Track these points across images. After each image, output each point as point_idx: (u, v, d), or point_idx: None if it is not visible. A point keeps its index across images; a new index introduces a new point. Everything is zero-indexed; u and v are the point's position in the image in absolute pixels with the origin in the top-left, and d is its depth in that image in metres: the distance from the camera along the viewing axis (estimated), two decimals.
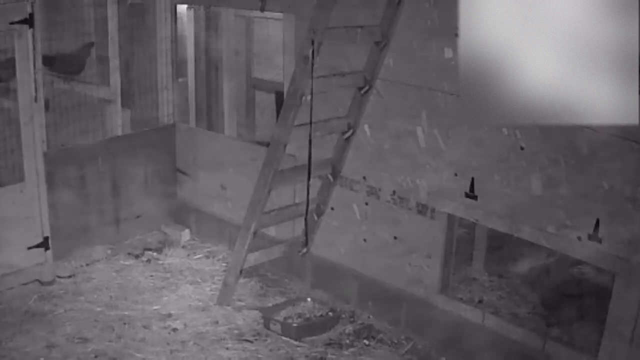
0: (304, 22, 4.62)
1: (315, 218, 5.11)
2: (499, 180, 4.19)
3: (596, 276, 4.97)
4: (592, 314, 4.41)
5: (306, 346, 4.66)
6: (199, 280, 5.52)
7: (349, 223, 5.06)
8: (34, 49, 4.95)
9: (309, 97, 4.43)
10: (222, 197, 6.02)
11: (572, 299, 4.71)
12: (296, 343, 4.68)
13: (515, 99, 1.40)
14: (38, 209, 5.21)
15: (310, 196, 4.83)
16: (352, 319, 4.98)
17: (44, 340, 4.58)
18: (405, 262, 4.77)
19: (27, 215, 5.18)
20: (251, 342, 4.70)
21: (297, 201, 5.23)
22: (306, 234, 5.03)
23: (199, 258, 5.93)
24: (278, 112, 5.26)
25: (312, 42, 4.29)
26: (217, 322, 4.91)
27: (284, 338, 4.72)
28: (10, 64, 5.08)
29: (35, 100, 5.03)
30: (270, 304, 5.15)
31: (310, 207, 4.90)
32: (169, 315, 4.98)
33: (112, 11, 5.78)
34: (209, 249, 6.05)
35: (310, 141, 4.54)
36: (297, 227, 5.21)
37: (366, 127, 4.84)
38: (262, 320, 4.91)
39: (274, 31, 6.73)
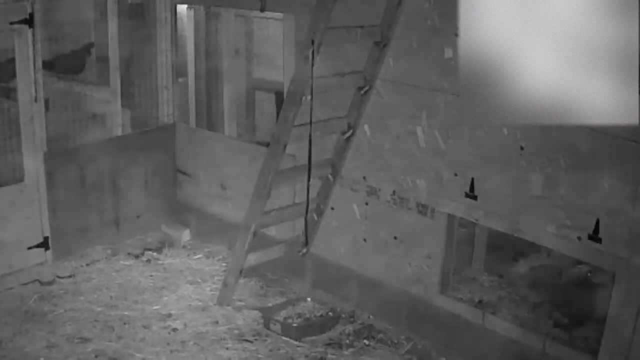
0: (304, 22, 4.62)
1: (315, 218, 5.11)
2: (499, 180, 4.19)
3: (596, 276, 4.97)
4: (592, 314, 4.41)
5: (306, 346, 4.66)
6: (199, 280, 5.52)
7: (349, 223, 5.06)
8: (34, 49, 4.95)
9: (309, 97, 4.43)
10: (222, 197, 6.01)
11: (578, 300, 4.71)
12: (296, 343, 4.68)
13: (515, 99, 1.40)
14: (38, 209, 5.21)
15: (310, 196, 4.83)
16: (352, 319, 4.98)
17: (44, 340, 4.58)
18: (405, 262, 4.77)
19: (27, 215, 5.18)
20: (251, 342, 4.70)
21: (297, 201, 5.23)
22: (306, 234, 5.03)
23: (199, 258, 5.93)
24: (278, 112, 5.26)
25: (312, 42, 4.29)
26: (217, 322, 4.91)
27: (284, 338, 4.72)
28: (10, 64, 5.08)
29: (35, 100, 5.03)
30: (270, 304, 5.15)
31: (310, 207, 4.90)
32: (169, 315, 4.98)
33: (112, 11, 5.78)
34: (209, 249, 6.05)
35: (310, 141, 4.54)
36: (297, 227, 5.21)
37: (366, 127, 4.84)
38: (262, 320, 4.91)
39: (274, 31, 6.73)
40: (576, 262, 4.74)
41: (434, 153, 4.48)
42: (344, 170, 4.99)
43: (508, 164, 4.13)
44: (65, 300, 5.12)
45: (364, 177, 4.92)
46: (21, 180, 5.16)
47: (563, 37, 1.36)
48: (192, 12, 6.88)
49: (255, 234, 4.83)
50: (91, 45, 6.10)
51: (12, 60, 5.01)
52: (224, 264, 5.71)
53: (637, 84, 1.36)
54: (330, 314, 4.96)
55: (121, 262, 5.76)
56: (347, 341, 4.73)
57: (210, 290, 5.34)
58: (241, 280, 5.17)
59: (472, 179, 4.31)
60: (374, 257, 4.95)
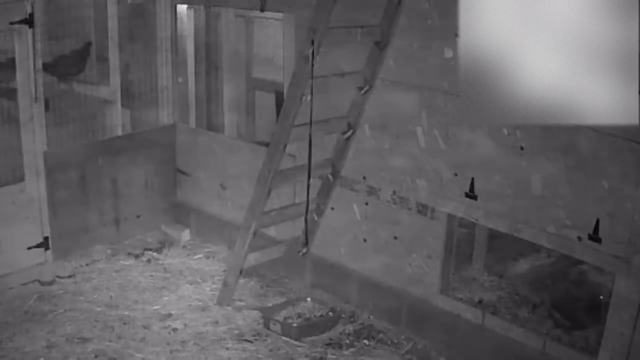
0: (304, 22, 4.62)
1: (315, 218, 5.11)
2: (499, 180, 4.19)
3: (596, 276, 4.97)
4: (592, 314, 4.41)
5: (306, 346, 4.66)
6: (199, 280, 5.52)
7: (349, 223, 5.06)
8: (34, 49, 4.95)
9: (309, 97, 4.43)
10: (222, 197, 6.02)
11: (578, 300, 4.71)
12: (296, 343, 4.68)
13: (515, 99, 1.40)
14: (38, 209, 5.21)
15: (310, 196, 4.83)
16: (352, 319, 4.98)
17: (44, 340, 4.58)
18: (405, 262, 4.77)
19: (27, 215, 5.18)
20: (251, 342, 4.70)
21: (297, 201, 5.23)
22: (306, 234, 5.03)
23: (199, 258, 5.93)
24: (278, 112, 5.26)
25: (312, 42, 4.29)
26: (217, 322, 4.91)
27: (284, 338, 4.72)
28: (10, 64, 5.08)
29: (35, 100, 5.03)
30: (270, 304, 5.15)
31: (310, 207, 4.90)
32: (169, 315, 4.98)
33: (112, 11, 5.78)
34: (209, 249, 6.05)
35: (310, 141, 4.55)
36: (297, 227, 5.21)
37: (366, 127, 4.84)
38: (262, 320, 4.91)
39: (274, 31, 6.73)
40: (576, 262, 4.74)
41: (434, 153, 4.48)
42: (344, 170, 5.00)
43: (508, 163, 4.13)
44: (65, 300, 5.12)
45: (364, 177, 4.92)
46: (21, 180, 5.16)
47: (563, 37, 1.36)
48: (192, 12, 6.87)
49: (255, 234, 4.83)
50: (89, 44, 6.09)
51: (12, 60, 5.00)
52: (224, 264, 5.71)
53: (637, 84, 1.36)
54: (330, 314, 4.96)
55: (121, 262, 5.76)
56: (347, 341, 4.73)
57: (210, 290, 5.34)
58: (241, 280, 5.17)
59: (472, 179, 4.31)
60: (374, 257, 4.95)
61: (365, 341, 4.74)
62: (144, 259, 5.85)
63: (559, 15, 1.35)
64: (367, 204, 4.94)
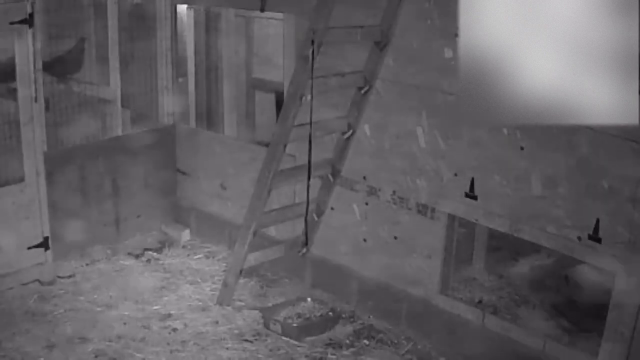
0: (304, 22, 4.62)
1: (315, 218, 5.11)
2: (499, 180, 4.19)
3: (596, 276, 4.97)
4: (592, 314, 4.40)
5: (306, 346, 4.66)
6: (199, 280, 5.52)
7: (349, 223, 5.06)
8: (34, 49, 4.95)
9: (309, 97, 4.43)
10: (222, 197, 6.02)
11: (578, 300, 4.71)
12: (296, 343, 4.68)
13: (515, 99, 1.40)
14: (38, 209, 5.21)
15: (310, 196, 4.83)
16: (352, 319, 4.98)
17: (44, 340, 4.58)
18: (405, 262, 4.77)
19: (27, 215, 5.18)
20: (251, 342, 4.70)
21: (297, 201, 5.23)
22: (306, 234, 5.04)
23: (199, 258, 5.93)
24: (278, 112, 5.26)
25: (312, 42, 4.29)
26: (217, 322, 4.91)
27: (284, 338, 4.72)
28: (10, 64, 5.08)
29: (35, 100, 5.03)
30: (270, 304, 5.15)
31: (310, 207, 4.91)
32: (169, 315, 4.98)
33: (112, 11, 5.78)
34: (209, 249, 6.05)
35: (310, 141, 4.55)
36: (297, 227, 5.21)
37: (366, 127, 4.84)
38: (262, 320, 4.91)
39: (274, 31, 6.73)
40: (576, 262, 4.74)
41: (434, 153, 4.48)
42: (344, 170, 5.00)
43: (508, 164, 4.13)
44: (65, 300, 5.12)
45: (364, 177, 4.92)
46: (21, 180, 5.15)
47: (563, 37, 1.36)
48: (192, 12, 6.87)
49: (255, 234, 4.83)
50: (83, 40, 6.07)
51: (12, 60, 5.00)
52: (224, 264, 5.71)
53: (637, 84, 1.36)
54: (330, 314, 4.96)
55: (121, 262, 5.76)
56: (347, 341, 4.73)
57: (210, 290, 5.34)
58: (241, 280, 5.17)
59: (472, 179, 4.31)
60: (374, 257, 4.95)
61: (365, 341, 4.74)
62: (144, 259, 5.85)
63: (559, 15, 1.35)
64: (367, 204, 4.94)
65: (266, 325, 4.85)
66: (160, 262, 5.82)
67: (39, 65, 5.04)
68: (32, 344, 4.52)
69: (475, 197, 4.31)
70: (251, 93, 7.32)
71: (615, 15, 1.33)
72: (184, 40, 6.87)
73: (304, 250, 5.15)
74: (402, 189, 4.70)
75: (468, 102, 1.45)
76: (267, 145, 4.94)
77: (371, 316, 5.00)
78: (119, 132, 5.99)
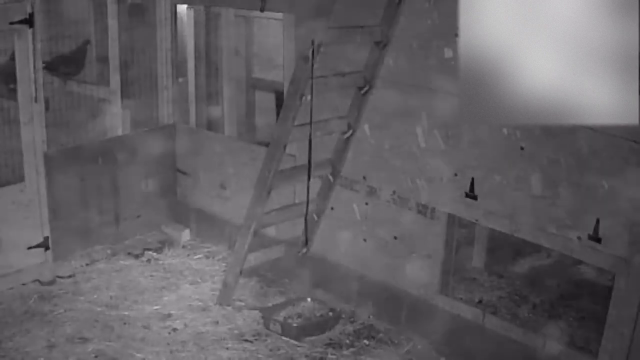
0: (304, 22, 4.62)
1: (315, 218, 5.11)
2: (499, 180, 4.19)
3: (596, 276, 4.98)
4: (592, 313, 4.41)
5: (306, 346, 4.66)
6: (199, 280, 5.52)
7: (349, 223, 5.06)
8: (34, 49, 4.95)
9: (309, 97, 4.43)
10: (222, 197, 6.02)
11: (578, 300, 4.71)
12: (296, 343, 4.68)
13: (515, 99, 1.40)
14: (38, 209, 5.21)
15: (310, 196, 4.83)
16: (352, 319, 4.98)
17: (44, 340, 4.58)
18: (405, 262, 4.77)
19: (27, 215, 5.18)
20: (251, 342, 4.70)
21: (297, 201, 5.22)
22: (306, 234, 5.04)
23: (199, 258, 5.93)
24: (278, 112, 5.26)
25: (312, 42, 4.29)
26: (217, 322, 4.91)
27: (284, 338, 4.72)
28: (10, 64, 5.08)
29: (35, 100, 5.03)
30: (270, 304, 5.15)
31: (310, 207, 4.91)
32: (169, 315, 4.98)
33: (112, 11, 5.78)
34: (209, 249, 6.05)
35: (310, 141, 4.54)
36: (297, 227, 5.21)
37: (366, 127, 4.84)
38: (262, 320, 4.91)
39: (274, 31, 6.73)
40: (576, 262, 4.74)
41: (434, 153, 4.48)
42: (344, 170, 4.99)
43: (508, 164, 4.13)
44: (65, 300, 5.12)
45: (364, 177, 4.92)
46: (21, 180, 5.15)
47: (563, 37, 1.36)
48: (192, 12, 6.87)
49: (255, 234, 4.83)
50: (87, 42, 6.08)
51: (12, 60, 5.00)
52: (224, 264, 5.71)
53: (637, 84, 1.36)
54: (330, 314, 4.96)
55: (121, 262, 5.76)
56: (347, 341, 4.73)
57: (210, 290, 5.34)
58: (241, 280, 5.17)
59: (472, 179, 4.31)
60: (374, 257, 4.95)
61: (365, 341, 4.74)
62: (144, 259, 5.85)
63: (559, 15, 1.35)
64: (367, 204, 4.94)
65: (266, 325, 4.85)
66: (160, 262, 5.82)
67: (39, 65, 5.04)
68: (32, 344, 4.52)
69: (475, 197, 4.31)
70: (251, 93, 7.33)
71: (615, 15, 1.33)
72: (184, 40, 6.87)
73: (304, 250, 5.15)
74: (402, 189, 4.70)
75: (468, 102, 1.45)
76: (267, 145, 4.93)
77: (371, 316, 5.00)
78: (119, 132, 6.00)
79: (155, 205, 6.25)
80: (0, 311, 4.90)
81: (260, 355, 4.56)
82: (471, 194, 4.32)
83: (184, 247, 6.11)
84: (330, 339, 4.76)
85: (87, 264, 5.65)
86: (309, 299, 5.13)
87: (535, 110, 1.41)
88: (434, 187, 4.53)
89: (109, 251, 5.86)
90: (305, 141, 4.56)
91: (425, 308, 4.69)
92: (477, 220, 4.42)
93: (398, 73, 4.59)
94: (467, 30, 1.39)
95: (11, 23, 4.82)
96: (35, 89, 5.00)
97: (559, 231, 3.95)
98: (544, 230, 4.02)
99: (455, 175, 4.39)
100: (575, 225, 3.86)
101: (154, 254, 5.92)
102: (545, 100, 1.40)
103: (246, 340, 4.71)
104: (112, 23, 5.79)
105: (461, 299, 4.74)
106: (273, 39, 6.80)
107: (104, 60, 6.00)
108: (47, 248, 5.30)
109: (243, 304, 5.18)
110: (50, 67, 5.76)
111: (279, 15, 5.64)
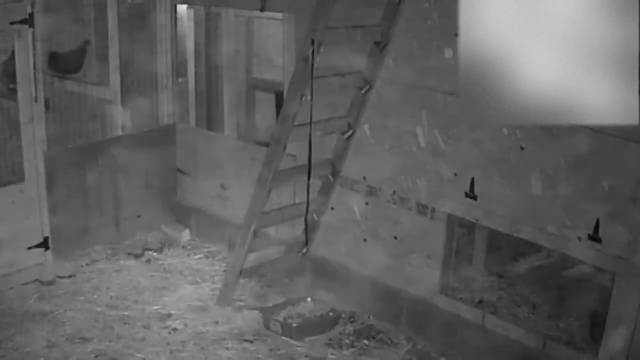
0: (304, 22, 4.62)
1: (315, 218, 5.11)
2: (499, 180, 4.19)
3: (596, 276, 4.97)
4: (592, 314, 4.40)
5: (306, 346, 4.66)
6: (199, 280, 5.52)
7: (349, 223, 5.06)
8: (34, 49, 4.95)
9: (309, 97, 4.43)
10: (222, 197, 6.02)
11: (578, 300, 4.70)
12: (296, 343, 4.68)
13: (515, 99, 1.40)
14: (38, 209, 5.21)
15: (310, 196, 4.83)
16: (352, 319, 4.98)
17: (44, 340, 4.58)
18: (405, 262, 4.77)
19: (27, 215, 5.18)
20: (251, 342, 4.70)
21: (297, 201, 5.22)
22: (306, 234, 5.04)
23: (199, 258, 5.93)
24: (278, 112, 5.26)
25: (312, 42, 4.29)
26: (217, 322, 4.91)
27: (284, 338, 4.72)
28: (10, 64, 5.08)
29: (35, 100, 5.03)
30: (270, 304, 5.15)
31: (310, 207, 4.90)
32: (169, 315, 4.98)
33: (112, 11, 5.78)
34: (209, 249, 6.05)
35: (310, 141, 4.54)
36: (297, 227, 5.21)
37: (366, 127, 4.84)
38: (262, 320, 4.91)
39: (274, 31, 6.73)
40: (576, 262, 4.74)
41: (434, 153, 4.48)
42: (344, 170, 4.99)
43: (508, 164, 4.13)
44: (65, 300, 5.12)
45: (364, 177, 4.92)
46: (21, 180, 5.15)
47: (563, 37, 1.36)
48: (192, 12, 6.87)
49: (255, 234, 4.83)
50: (88, 42, 6.08)
51: (12, 60, 5.00)
52: (224, 264, 5.71)
53: (637, 84, 1.36)
54: (330, 314, 4.96)
55: (121, 262, 5.76)
56: (347, 341, 4.73)
57: (210, 290, 5.34)
58: (241, 280, 5.17)
59: (472, 179, 4.31)
60: (374, 257, 4.95)
61: (365, 341, 4.74)
62: (144, 259, 5.85)
63: (559, 15, 1.35)
64: (367, 204, 4.94)
65: (266, 325, 4.85)
66: (160, 262, 5.82)
67: (39, 65, 5.04)
68: (32, 344, 4.52)
69: (475, 197, 4.31)
70: (251, 93, 7.32)
71: (615, 15, 1.32)
72: (184, 40, 6.87)
73: (304, 250, 5.15)
74: (402, 188, 4.70)
75: (468, 102, 1.45)
76: (267, 145, 4.93)
77: (371, 316, 5.00)
78: (119, 132, 6.00)
79: (155, 205, 6.25)
80: (0, 311, 4.90)
81: (260, 355, 4.56)
82: (471, 194, 4.32)
83: (184, 247, 6.12)
84: (330, 339, 4.76)
85: (87, 264, 5.65)
86: (309, 299, 5.13)
87: (535, 110, 1.41)
88: (434, 187, 4.53)
89: (109, 251, 5.86)
90: (305, 141, 4.56)
91: (425, 308, 4.69)
92: (477, 220, 4.42)
93: (398, 73, 4.59)
94: (467, 30, 1.39)
95: (11, 23, 4.82)
96: (35, 89, 5.00)
97: (559, 231, 3.95)
98: (544, 230, 4.02)
99: (455, 175, 4.39)
100: (575, 225, 3.86)
101: (154, 254, 5.92)
102: (545, 100, 1.40)
103: (246, 340, 4.71)
104: (112, 23, 5.79)
105: (461, 299, 4.74)
106: (273, 39, 6.80)
107: (104, 60, 6.00)
108: (47, 248, 5.30)
109: (243, 304, 5.18)
110: (50, 65, 5.76)
111: (279, 15, 5.64)
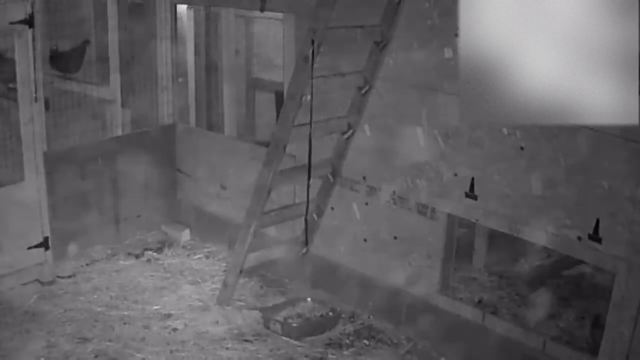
0: (304, 22, 4.62)
1: (315, 218, 5.11)
2: (499, 180, 4.19)
3: (596, 276, 4.97)
4: (592, 314, 4.40)
5: (306, 346, 4.66)
6: (199, 280, 5.52)
7: (349, 223, 5.06)
8: (34, 49, 4.95)
9: (309, 97, 4.43)
10: (222, 197, 6.01)
11: (578, 300, 4.69)
12: (296, 343, 4.68)
13: (515, 99, 1.40)
14: (38, 209, 5.21)
15: (310, 196, 4.83)
16: (352, 319, 4.98)
17: (44, 340, 4.58)
18: (405, 262, 4.77)
19: (27, 215, 5.18)
20: (251, 342, 4.70)
21: (297, 201, 5.23)
22: (306, 234, 5.03)
23: (199, 258, 5.93)
24: (278, 112, 5.26)
25: (312, 42, 4.29)
26: (217, 322, 4.91)
27: (284, 338, 4.72)
28: (10, 64, 5.08)
29: (35, 100, 5.03)
30: (270, 304, 5.15)
31: (310, 207, 4.91)
32: (169, 315, 4.98)
33: (112, 11, 5.78)
34: (209, 249, 6.05)
35: (310, 141, 4.54)
36: (297, 227, 5.21)
37: (366, 127, 4.84)
38: (262, 320, 4.91)
39: (274, 31, 6.73)
40: (576, 262, 4.74)
41: (434, 153, 4.48)
42: (344, 170, 5.00)
43: (508, 164, 4.13)
44: (65, 300, 5.12)
45: (364, 177, 4.92)
46: (21, 180, 5.16)
47: (563, 37, 1.36)
48: (192, 12, 6.88)
49: (255, 234, 4.83)
50: (87, 42, 6.09)
51: (12, 60, 5.00)
52: (224, 264, 5.71)
53: (637, 84, 1.36)
54: (330, 314, 4.96)
55: (121, 262, 5.76)
56: (347, 341, 4.73)
57: (210, 290, 5.34)
58: (241, 280, 5.17)
59: (472, 179, 4.31)
60: (374, 257, 4.95)
61: (365, 341, 4.74)
62: (144, 259, 5.85)
63: (559, 15, 1.35)
64: (367, 204, 4.94)
65: (266, 325, 4.85)
66: (160, 262, 5.82)
67: (39, 65, 5.04)
68: (32, 344, 4.52)
69: (475, 197, 4.31)
70: (251, 93, 7.33)
71: (615, 15, 1.33)
72: (184, 40, 6.87)
73: (304, 250, 5.15)
74: (402, 189, 4.70)
75: (468, 102, 1.45)
76: (267, 145, 4.93)
77: (371, 316, 5.00)
78: (119, 132, 6.00)
79: (155, 205, 6.25)
80: (0, 311, 4.90)
81: (260, 355, 4.55)
82: (471, 194, 4.32)
83: (184, 247, 6.11)
84: (330, 339, 4.76)
85: (87, 264, 5.65)
86: (309, 299, 5.13)
87: (535, 110, 1.41)
88: (434, 187, 4.53)
89: (109, 251, 5.86)
90: (305, 141, 4.56)
91: (425, 308, 4.69)
92: (477, 220, 4.42)
93: (398, 73, 4.59)
94: (467, 30, 1.39)
95: (11, 23, 4.82)
96: (35, 89, 5.00)
97: (559, 231, 3.95)
98: (544, 230, 4.02)
99: (455, 175, 4.39)
100: (575, 225, 3.86)
101: (154, 254, 5.92)
102: (545, 100, 1.40)
103: (246, 340, 4.71)
104: (112, 23, 5.79)
105: (461, 299, 4.74)
106: (273, 39, 6.80)
107: (104, 60, 6.00)
108: (47, 248, 5.30)
109: (243, 304, 5.18)
110: (49, 66, 5.76)
111: (279, 15, 5.64)
